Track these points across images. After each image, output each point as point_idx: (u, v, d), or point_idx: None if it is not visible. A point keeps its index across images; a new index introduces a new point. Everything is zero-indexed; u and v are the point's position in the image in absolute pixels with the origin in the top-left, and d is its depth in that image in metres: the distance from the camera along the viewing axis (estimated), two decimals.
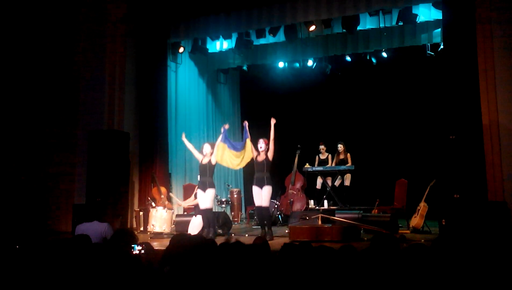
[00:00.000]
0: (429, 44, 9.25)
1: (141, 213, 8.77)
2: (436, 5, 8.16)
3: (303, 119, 11.56)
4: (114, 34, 9.21)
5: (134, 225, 8.89)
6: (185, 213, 9.16)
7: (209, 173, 7.52)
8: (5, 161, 9.20)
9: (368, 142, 10.84)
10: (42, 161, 9.18)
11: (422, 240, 6.29)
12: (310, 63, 10.98)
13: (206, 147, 7.67)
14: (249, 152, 7.46)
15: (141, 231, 8.55)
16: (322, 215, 7.39)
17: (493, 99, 7.15)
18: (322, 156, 10.14)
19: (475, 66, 7.15)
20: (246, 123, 7.63)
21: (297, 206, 9.27)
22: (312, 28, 9.00)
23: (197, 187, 8.04)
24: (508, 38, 7.17)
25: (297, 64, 11.18)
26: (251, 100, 12.35)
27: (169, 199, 9.09)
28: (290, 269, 2.76)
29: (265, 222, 7.32)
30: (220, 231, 7.83)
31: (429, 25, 8.98)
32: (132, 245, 3.60)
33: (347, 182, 9.80)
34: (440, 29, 8.53)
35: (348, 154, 9.90)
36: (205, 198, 7.44)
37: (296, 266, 2.77)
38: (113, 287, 2.68)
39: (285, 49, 10.56)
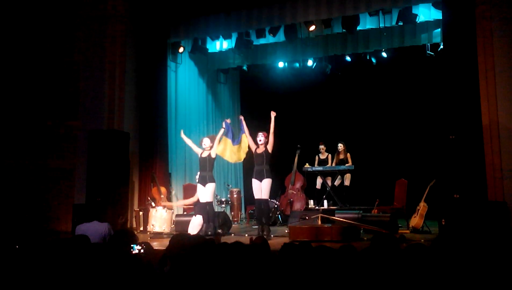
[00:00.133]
0: (429, 44, 9.25)
1: (141, 213, 8.77)
2: (436, 5, 8.16)
3: (303, 119, 11.56)
4: (114, 34, 9.20)
5: (134, 225, 8.89)
6: (185, 213, 9.16)
7: (209, 167, 7.52)
8: (5, 161, 9.20)
9: (368, 142, 10.84)
10: (42, 161, 9.18)
11: (422, 240, 6.30)
12: (310, 63, 10.98)
13: (206, 141, 7.69)
14: (244, 148, 7.50)
15: (141, 231, 8.55)
16: (322, 215, 7.39)
17: (493, 99, 7.14)
18: (322, 156, 10.14)
19: (475, 66, 7.14)
20: (241, 118, 7.65)
21: (297, 206, 9.27)
22: (312, 28, 9.00)
23: (197, 180, 8.00)
24: (508, 38, 7.17)
25: (297, 64, 11.17)
26: (251, 100, 12.35)
27: (169, 194, 9.10)
28: (290, 269, 2.76)
29: (263, 217, 7.30)
30: (219, 230, 7.83)
31: (429, 25, 8.98)
32: (132, 245, 3.60)
33: (347, 182, 9.80)
34: (440, 29, 8.53)
35: (348, 154, 9.90)
36: (205, 192, 7.45)
37: (296, 266, 2.77)
38: (113, 287, 2.68)
39: (285, 49, 10.56)
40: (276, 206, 9.31)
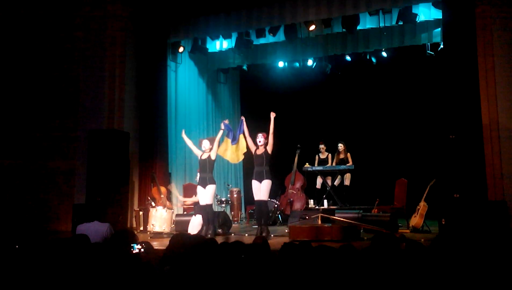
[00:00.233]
0: (429, 43, 9.25)
1: (141, 212, 8.76)
2: (436, 5, 8.16)
3: (303, 119, 11.56)
4: (114, 34, 9.20)
5: (134, 225, 8.89)
6: (185, 212, 9.16)
7: (209, 168, 7.51)
8: (5, 161, 9.20)
9: (368, 141, 10.84)
10: (42, 161, 9.18)
11: (422, 240, 6.29)
12: (310, 62, 10.98)
13: (205, 143, 7.68)
14: (242, 148, 7.50)
15: (141, 230, 8.54)
16: (322, 214, 7.39)
17: (493, 98, 7.14)
18: (322, 156, 10.14)
19: (475, 65, 7.15)
20: (243, 119, 7.65)
21: (297, 206, 9.27)
22: (312, 27, 9.00)
23: (197, 181, 8.01)
24: (508, 37, 7.17)
25: (297, 64, 11.18)
26: (251, 100, 12.34)
27: (169, 192, 9.09)
28: (290, 269, 2.76)
29: (263, 217, 7.31)
30: (219, 230, 7.83)
31: (429, 25, 8.98)
32: (132, 245, 3.60)
33: (347, 182, 9.80)
34: (440, 28, 8.53)
35: (348, 154, 9.90)
36: (206, 194, 7.44)
37: (296, 265, 2.78)
38: (113, 287, 2.68)
39: (285, 49, 10.55)
40: (276, 205, 9.30)
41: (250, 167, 7.69)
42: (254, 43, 9.79)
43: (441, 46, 8.76)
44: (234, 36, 9.71)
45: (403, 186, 8.51)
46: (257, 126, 7.98)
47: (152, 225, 7.93)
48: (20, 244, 3.63)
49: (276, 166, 7.56)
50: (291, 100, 11.54)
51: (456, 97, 7.22)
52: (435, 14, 8.37)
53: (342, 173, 9.84)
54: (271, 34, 9.24)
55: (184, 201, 9.06)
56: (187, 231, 7.56)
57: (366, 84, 11.12)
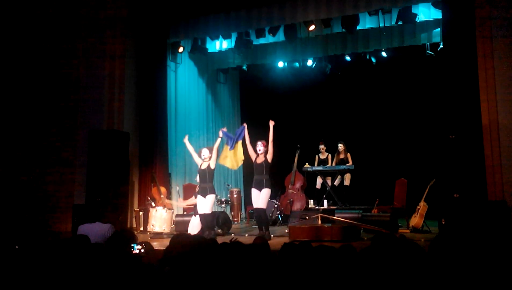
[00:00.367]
0: (428, 43, 9.25)
1: (141, 213, 8.77)
2: (435, 5, 8.16)
3: (303, 119, 11.56)
4: (114, 34, 9.20)
5: (134, 225, 8.89)
6: (185, 213, 9.16)
7: (208, 178, 7.48)
8: (5, 161, 9.20)
9: (368, 141, 10.84)
10: (42, 161, 9.17)
11: (422, 240, 6.30)
12: (309, 62, 10.98)
13: (205, 151, 7.61)
14: (240, 154, 7.48)
15: (141, 231, 8.55)
16: (322, 214, 7.40)
17: (493, 98, 7.14)
18: (322, 156, 10.15)
19: (475, 65, 7.14)
20: (245, 126, 7.61)
21: (297, 206, 9.27)
22: (312, 27, 9.00)
23: (197, 191, 7.97)
24: (508, 37, 7.16)
25: (297, 64, 11.18)
26: (251, 100, 12.35)
27: (170, 194, 9.10)
28: (290, 269, 2.76)
29: (263, 224, 7.32)
30: (219, 231, 7.83)
31: (428, 25, 8.98)
32: (132, 245, 3.60)
33: (346, 182, 9.80)
34: (439, 28, 8.53)
35: (348, 154, 9.91)
36: (205, 204, 7.41)
37: (296, 266, 2.77)
38: (113, 287, 2.68)
39: (284, 49, 10.56)
40: (276, 206, 9.31)
41: (250, 167, 7.68)
42: (253, 43, 9.79)
43: (441, 46, 8.75)
44: (234, 36, 9.71)
45: (403, 186, 8.51)
46: (257, 126, 7.97)
47: (152, 225, 7.94)
48: (20, 244, 3.63)
49: (276, 166, 7.56)
50: (291, 100, 11.55)
51: (456, 97, 7.22)
52: (435, 14, 8.37)
53: (342, 173, 9.84)
54: (271, 34, 9.24)
55: (186, 204, 9.05)
56: (187, 231, 7.56)
57: (366, 84, 11.12)
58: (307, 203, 9.39)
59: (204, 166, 7.53)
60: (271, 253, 3.31)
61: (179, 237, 3.49)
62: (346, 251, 2.83)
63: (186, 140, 7.85)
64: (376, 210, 8.24)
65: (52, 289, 2.82)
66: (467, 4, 7.29)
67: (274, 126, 7.29)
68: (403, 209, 8.31)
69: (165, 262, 3.18)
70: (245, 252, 2.85)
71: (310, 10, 8.64)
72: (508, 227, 6.54)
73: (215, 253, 2.98)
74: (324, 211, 8.06)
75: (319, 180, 10.07)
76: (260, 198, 7.20)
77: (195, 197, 8.20)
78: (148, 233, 8.08)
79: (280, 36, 9.34)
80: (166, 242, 3.66)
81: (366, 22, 8.94)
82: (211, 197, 7.44)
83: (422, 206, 7.59)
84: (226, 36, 9.78)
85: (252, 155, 7.42)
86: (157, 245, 6.49)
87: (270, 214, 8.61)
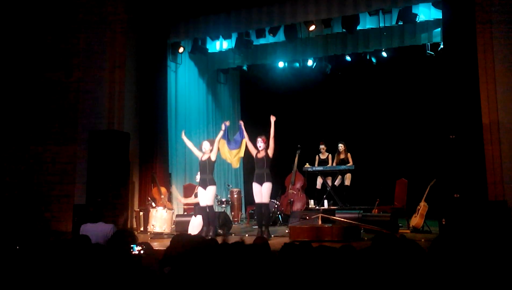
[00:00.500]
0: (429, 43, 9.25)
1: (141, 213, 8.77)
2: (436, 5, 8.16)
3: (303, 119, 11.56)
4: (114, 34, 9.20)
5: (134, 225, 8.88)
6: (185, 213, 9.16)
7: (209, 170, 7.52)
8: (5, 161, 9.20)
9: (368, 141, 10.84)
10: (42, 161, 9.17)
11: (422, 240, 6.29)
12: (310, 63, 10.98)
13: (206, 144, 7.68)
14: (242, 151, 7.52)
15: (141, 231, 8.55)
16: (322, 215, 7.39)
17: (493, 98, 7.13)
18: (322, 156, 10.14)
19: (475, 65, 7.14)
20: (241, 123, 7.66)
21: (297, 206, 9.27)
22: (312, 28, 9.00)
23: (197, 187, 8.04)
24: (508, 37, 7.16)
25: (297, 64, 11.18)
26: (251, 100, 12.35)
27: (169, 194, 9.09)
28: (290, 269, 2.76)
29: (263, 219, 7.31)
30: (220, 231, 7.83)
31: (429, 25, 8.98)
32: (132, 245, 3.59)
33: (347, 182, 9.80)
34: (440, 28, 8.53)
35: (349, 154, 9.91)
36: (206, 196, 7.45)
37: (296, 266, 2.77)
38: (113, 288, 2.68)
39: (285, 49, 10.56)
40: (276, 206, 9.30)
41: (251, 166, 7.69)
42: (254, 43, 9.79)
43: (441, 46, 8.75)
44: (234, 36, 9.71)
45: (404, 186, 8.51)
46: (257, 126, 7.98)
47: (153, 225, 7.93)
48: (21, 245, 3.63)
49: (276, 167, 7.58)
50: (291, 100, 11.55)
51: (456, 97, 7.22)
52: (435, 14, 8.36)
53: (343, 173, 9.84)
54: (271, 34, 9.24)
55: (185, 202, 9.04)
56: (187, 231, 7.56)
57: (366, 84, 11.12)
58: (308, 203, 9.39)
59: (204, 158, 7.57)
60: (271, 253, 3.30)
61: (180, 237, 3.49)
62: (347, 251, 2.82)
63: (183, 136, 7.92)
64: (376, 210, 8.23)
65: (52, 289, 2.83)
66: (468, 4, 7.29)
67: (275, 122, 7.30)
68: (404, 209, 8.31)
69: (166, 263, 3.18)
70: (245, 252, 2.85)
71: (310, 10, 8.63)
72: (509, 227, 6.53)
73: (215, 253, 2.97)
74: (324, 211, 8.05)
75: (319, 180, 10.06)
76: (262, 192, 7.21)
77: (195, 197, 8.22)
78: (149, 233, 8.08)
79: (281, 36, 9.34)
80: (167, 242, 3.66)
81: (367, 22, 8.93)
82: (211, 189, 7.46)
83: (423, 206, 7.59)
84: (227, 36, 9.78)
85: (253, 151, 7.45)
86: (157, 245, 6.49)
87: (271, 214, 8.60)
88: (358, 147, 10.36)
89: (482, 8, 7.26)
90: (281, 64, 11.24)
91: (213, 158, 7.55)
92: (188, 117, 10.61)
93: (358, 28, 8.81)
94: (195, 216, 7.80)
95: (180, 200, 9.11)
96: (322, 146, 10.14)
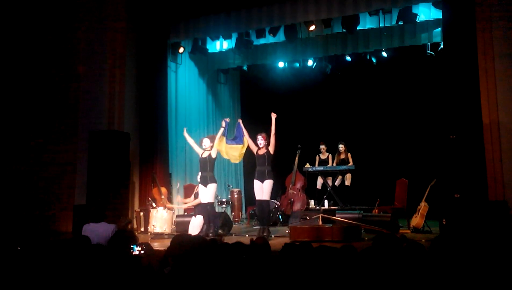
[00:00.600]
0: (429, 43, 9.25)
1: (141, 213, 8.77)
2: (436, 5, 8.16)
3: (304, 119, 11.56)
4: (114, 34, 9.20)
5: (135, 226, 8.88)
6: (186, 213, 9.15)
7: (209, 167, 7.52)
8: (5, 162, 9.20)
9: (369, 141, 10.84)
10: (42, 161, 9.18)
11: (423, 240, 6.29)
12: (310, 63, 10.97)
13: (206, 141, 7.69)
14: (244, 148, 7.53)
15: (142, 231, 8.55)
16: (322, 215, 7.39)
17: (494, 98, 7.14)
18: (323, 156, 10.14)
19: (475, 65, 7.14)
20: (240, 121, 7.66)
21: (298, 206, 9.26)
22: (312, 28, 9.00)
23: (196, 187, 8.04)
24: (508, 37, 7.16)
25: (297, 64, 11.17)
26: (251, 100, 12.35)
27: (170, 199, 9.08)
28: (291, 269, 2.76)
29: (264, 217, 7.30)
30: (220, 231, 7.82)
31: (429, 25, 8.97)
32: (132, 246, 3.60)
33: (347, 182, 9.80)
34: (440, 28, 8.53)
35: (349, 154, 9.91)
36: (207, 193, 7.45)
37: (296, 266, 2.77)
38: (113, 288, 2.68)
39: (285, 49, 10.55)
40: (276, 206, 9.30)
41: (251, 166, 7.70)
42: (254, 43, 9.79)
43: (441, 46, 8.75)
44: (234, 36, 9.71)
45: (404, 186, 8.51)
46: (257, 126, 7.97)
47: (153, 226, 7.93)
48: (22, 245, 3.63)
49: (276, 167, 7.57)
50: (291, 101, 11.54)
51: (457, 97, 7.21)
52: (435, 14, 8.36)
53: (343, 173, 9.84)
54: (271, 35, 9.24)
55: (185, 202, 9.03)
56: (187, 231, 7.56)
57: (366, 84, 11.12)
58: (308, 204, 9.39)
59: (205, 155, 7.58)
60: (271, 253, 3.30)
61: (180, 238, 3.49)
62: (347, 252, 2.83)
63: (185, 133, 7.94)
64: (377, 210, 8.23)
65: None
66: (468, 4, 7.29)
67: (276, 119, 7.30)
68: (404, 209, 8.31)
69: (166, 263, 3.18)
70: (245, 252, 2.85)
71: (310, 10, 8.63)
72: (509, 227, 6.54)
73: (215, 253, 2.97)
74: (324, 211, 8.05)
75: (319, 181, 10.06)
76: (263, 190, 7.21)
77: (195, 198, 8.22)
78: (149, 233, 8.07)
79: (281, 36, 9.34)
80: (167, 242, 3.66)
81: (367, 22, 8.93)
82: (212, 186, 7.46)
83: (423, 206, 7.59)
84: (227, 37, 9.78)
85: (253, 148, 7.45)
86: (157, 245, 6.50)
87: (271, 214, 8.60)
88: (358, 147, 10.36)
89: (482, 8, 7.26)
90: (281, 64, 11.24)
91: (213, 155, 7.56)
92: (188, 117, 10.60)
93: (358, 28, 8.80)
94: (195, 216, 7.80)
95: (182, 205, 9.10)
96: (322, 146, 10.14)
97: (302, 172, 9.79)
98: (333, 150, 10.11)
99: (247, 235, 7.78)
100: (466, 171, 6.72)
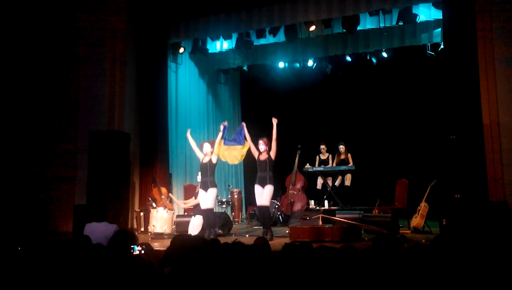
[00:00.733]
0: (429, 44, 9.25)
1: (141, 213, 8.76)
2: (436, 5, 8.16)
3: (304, 119, 11.56)
4: (114, 34, 9.20)
5: (135, 226, 8.88)
6: (186, 213, 9.15)
7: (210, 172, 7.51)
8: (5, 162, 9.20)
9: (369, 142, 10.84)
10: (43, 162, 9.18)
11: (423, 240, 6.29)
12: (310, 63, 10.98)
13: (206, 146, 7.66)
14: (245, 151, 7.50)
15: (142, 231, 8.55)
16: (322, 215, 7.39)
17: (494, 98, 7.14)
18: (323, 156, 10.14)
19: (475, 65, 7.14)
20: (243, 124, 7.63)
21: (298, 206, 9.27)
22: (312, 28, 9.00)
23: (198, 187, 8.03)
24: (508, 37, 7.16)
25: (297, 64, 11.18)
26: (252, 100, 12.36)
27: (170, 201, 9.09)
28: (291, 270, 2.76)
29: (266, 221, 7.32)
30: (220, 231, 7.82)
31: (429, 25, 8.98)
32: (132, 246, 3.60)
33: (347, 182, 9.80)
34: (440, 28, 8.53)
35: (349, 154, 9.91)
36: (207, 198, 7.43)
37: (296, 266, 2.77)
38: (113, 288, 2.68)
39: (285, 49, 10.56)
40: (277, 206, 9.30)
41: (251, 167, 7.69)
42: (254, 43, 9.79)
43: (442, 46, 8.76)
44: (234, 36, 9.71)
45: (404, 187, 8.51)
46: (258, 126, 7.98)
47: (153, 226, 7.93)
48: (22, 245, 3.63)
49: (277, 167, 7.57)
50: (292, 101, 11.55)
51: (457, 97, 7.22)
52: (435, 14, 8.36)
53: (343, 173, 9.84)
54: (271, 35, 9.24)
55: (184, 203, 9.03)
56: (187, 232, 7.55)
57: (366, 84, 11.12)
58: (308, 204, 9.39)
59: (205, 160, 7.56)
60: (272, 254, 3.30)
61: (180, 238, 3.49)
62: (347, 252, 2.82)
63: (188, 135, 7.90)
64: (377, 211, 8.22)
65: None
66: (468, 4, 7.29)
67: (277, 124, 7.30)
68: (404, 210, 8.31)
69: (166, 263, 3.18)
70: (246, 252, 2.85)
71: (310, 10, 8.63)
72: (509, 227, 6.53)
73: (215, 253, 2.97)
74: (325, 211, 8.05)
75: (319, 181, 10.06)
76: (264, 195, 7.21)
77: (195, 198, 8.21)
78: (149, 233, 8.07)
79: (281, 37, 9.34)
80: (167, 242, 3.66)
81: (367, 23, 8.93)
82: (212, 191, 7.45)
83: (423, 206, 7.58)
84: (227, 37, 9.78)
85: (255, 152, 7.45)
86: (158, 245, 6.50)
87: (271, 214, 8.60)
88: (358, 147, 10.36)
89: (482, 8, 7.26)
90: (281, 65, 11.24)
91: (214, 160, 7.54)
92: (188, 117, 10.61)
93: (359, 28, 8.81)
94: (195, 216, 7.80)
95: (180, 204, 9.10)
96: (322, 147, 10.14)
97: (302, 172, 9.79)
98: (333, 151, 10.11)
99: (247, 235, 7.79)
100: (466, 172, 6.72)
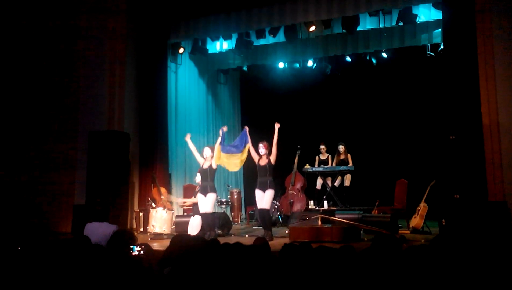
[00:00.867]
0: (429, 44, 9.25)
1: (141, 213, 8.76)
2: (436, 5, 8.16)
3: (303, 120, 11.56)
4: (114, 34, 9.20)
5: (134, 226, 8.88)
6: (185, 213, 9.15)
7: (210, 177, 7.50)
8: (5, 162, 9.19)
9: (368, 142, 10.84)
10: (42, 161, 9.17)
11: (422, 241, 6.30)
12: (310, 63, 10.98)
13: (207, 151, 7.63)
14: (245, 156, 7.46)
15: (141, 231, 8.54)
16: (322, 215, 7.38)
17: (493, 99, 7.14)
18: (322, 157, 10.14)
19: (475, 66, 7.14)
20: (246, 128, 7.60)
21: (297, 207, 9.26)
22: (312, 28, 9.00)
23: (197, 188, 8.02)
24: (508, 37, 7.16)
25: (297, 65, 11.18)
26: (251, 101, 12.36)
27: (170, 201, 9.09)
28: (290, 270, 2.76)
29: (266, 224, 7.33)
30: (219, 231, 7.82)
31: (429, 25, 8.98)
32: (131, 246, 3.59)
33: (347, 183, 9.80)
34: (440, 29, 8.53)
35: (349, 155, 9.91)
36: (206, 203, 7.42)
37: (296, 266, 2.77)
38: (112, 288, 2.68)
39: (285, 50, 10.55)
40: (276, 206, 9.30)
41: (251, 167, 7.68)
42: (254, 44, 9.79)
43: (441, 47, 8.75)
44: (234, 37, 9.71)
45: (403, 187, 8.51)
46: (257, 127, 7.97)
47: (152, 226, 7.93)
48: (22, 245, 3.63)
49: (276, 167, 7.56)
50: (291, 101, 11.55)
51: (456, 98, 7.22)
52: (435, 14, 8.36)
53: (342, 174, 9.84)
54: (271, 35, 9.24)
55: (184, 203, 9.03)
56: (187, 232, 7.55)
57: (366, 85, 11.12)
58: (307, 204, 9.39)
59: (206, 165, 7.55)
60: (271, 254, 3.30)
61: (179, 238, 3.49)
62: (346, 252, 2.82)
63: (188, 139, 7.85)
64: (376, 211, 8.23)
65: None
66: (468, 4, 7.29)
67: (279, 129, 7.29)
68: (403, 210, 8.31)
69: (165, 263, 3.18)
70: (245, 253, 2.85)
71: (310, 10, 8.63)
72: (509, 228, 6.53)
73: (215, 254, 2.97)
74: (324, 212, 8.05)
75: (319, 181, 10.06)
76: (264, 199, 7.22)
77: (195, 197, 8.21)
78: (148, 233, 8.07)
79: (281, 37, 9.34)
80: (166, 243, 3.66)
81: (367, 23, 8.93)
82: (212, 196, 7.45)
83: (423, 207, 7.58)
84: (227, 37, 9.78)
85: (255, 157, 7.43)
86: (157, 245, 6.49)
87: (271, 215, 8.60)
88: (358, 147, 10.36)
89: (482, 8, 7.26)
90: (281, 65, 11.24)
91: (214, 165, 7.52)
92: (188, 118, 10.61)
93: (358, 28, 8.81)
94: (194, 216, 7.79)
95: (178, 202, 9.09)
96: (322, 147, 10.14)
97: (302, 172, 9.80)
98: (333, 151, 10.11)
99: (246, 236, 7.79)
100: (465, 172, 6.73)
